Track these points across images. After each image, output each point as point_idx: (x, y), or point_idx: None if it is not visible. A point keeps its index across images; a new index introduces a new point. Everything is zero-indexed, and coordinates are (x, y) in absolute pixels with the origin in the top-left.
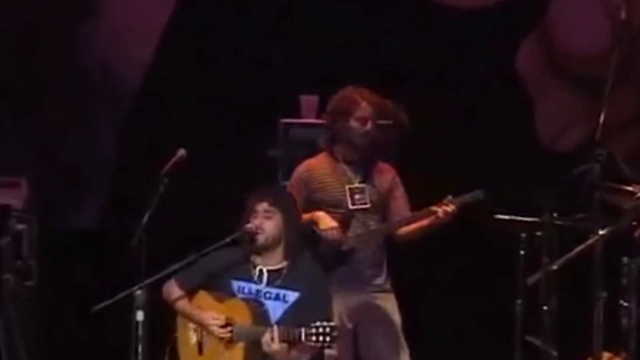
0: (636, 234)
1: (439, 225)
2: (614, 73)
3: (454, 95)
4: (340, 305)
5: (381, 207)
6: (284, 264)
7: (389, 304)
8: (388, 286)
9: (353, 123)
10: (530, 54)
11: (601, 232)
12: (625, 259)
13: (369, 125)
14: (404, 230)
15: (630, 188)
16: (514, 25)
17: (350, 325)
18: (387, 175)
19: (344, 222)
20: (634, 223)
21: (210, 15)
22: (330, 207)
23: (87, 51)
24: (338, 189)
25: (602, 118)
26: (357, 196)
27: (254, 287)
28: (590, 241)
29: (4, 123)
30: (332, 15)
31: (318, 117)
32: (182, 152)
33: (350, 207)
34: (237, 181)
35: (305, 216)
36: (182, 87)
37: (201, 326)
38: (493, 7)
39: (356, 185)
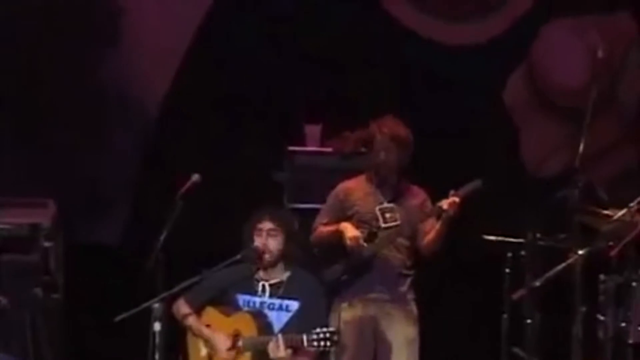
0: (612, 253)
1: (450, 222)
2: (592, 106)
3: (447, 124)
4: (359, 311)
5: (410, 226)
6: (284, 276)
7: (409, 315)
8: (410, 297)
9: (372, 154)
10: (517, 87)
11: (580, 252)
12: (602, 277)
13: (382, 156)
14: (426, 241)
15: (607, 211)
16: (502, 61)
17: (369, 334)
18: (417, 197)
19: (370, 236)
20: (610, 244)
21: (225, 47)
22: (363, 222)
23: (109, 78)
24: (370, 208)
25: (581, 147)
26: (387, 215)
27: (257, 300)
28: (570, 260)
29: (32, 147)
30: (334, 51)
31: (321, 144)
32: (196, 176)
33: (382, 225)
34: (247, 203)
35: (331, 228)
36: (198, 114)
37: (211, 345)
38: (483, 45)
39: (385, 205)
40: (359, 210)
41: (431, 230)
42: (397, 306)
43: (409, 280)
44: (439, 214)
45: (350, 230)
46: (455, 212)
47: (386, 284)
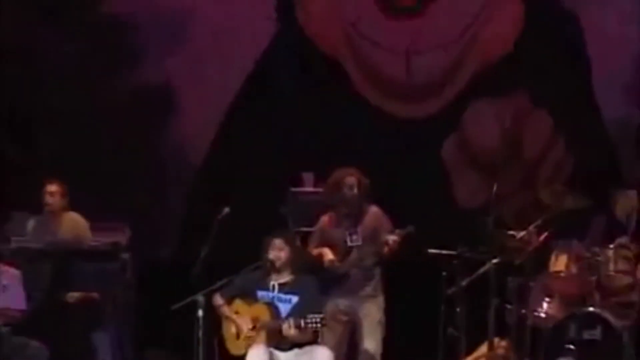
0: (516, 262)
1: (395, 249)
2: (502, 161)
3: (401, 176)
4: (339, 306)
5: (371, 240)
6: (289, 278)
7: (374, 305)
8: (376, 292)
9: (345, 191)
10: (450, 147)
11: (494, 261)
12: (509, 278)
13: (354, 190)
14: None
15: (512, 232)
16: (439, 129)
17: (345, 318)
18: (373, 216)
19: (344, 254)
20: (515, 255)
21: (247, 123)
22: (335, 244)
23: (166, 141)
24: (340, 234)
25: (495, 189)
26: (353, 236)
27: (270, 294)
28: (487, 266)
29: (115, 192)
30: (319, 128)
31: (313, 186)
32: (227, 209)
33: (349, 244)
34: (263, 228)
35: (316, 251)
36: (230, 165)
37: (238, 324)
38: (427, 116)
39: (351, 230)
40: (333, 235)
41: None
42: (370, 298)
43: (373, 280)
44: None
45: (327, 255)
46: (396, 245)
47: (357, 286)
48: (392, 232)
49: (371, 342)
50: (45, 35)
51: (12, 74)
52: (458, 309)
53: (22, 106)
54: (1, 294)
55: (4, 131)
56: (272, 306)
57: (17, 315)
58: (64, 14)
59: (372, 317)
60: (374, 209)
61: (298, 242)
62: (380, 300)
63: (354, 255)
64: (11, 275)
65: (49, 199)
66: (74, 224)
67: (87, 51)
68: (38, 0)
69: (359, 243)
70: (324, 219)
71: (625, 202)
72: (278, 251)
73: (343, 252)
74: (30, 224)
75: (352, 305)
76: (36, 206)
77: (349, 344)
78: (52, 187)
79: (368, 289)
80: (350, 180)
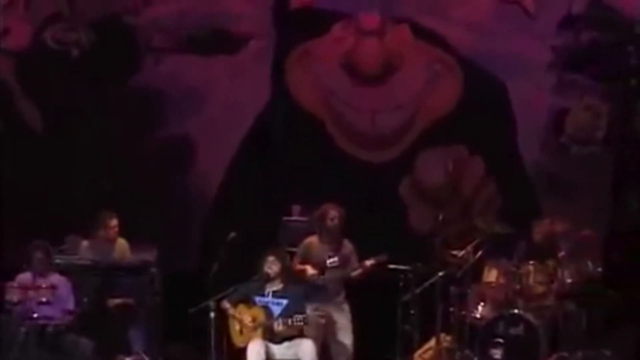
0: (458, 275)
1: (367, 273)
2: (446, 196)
3: (369, 207)
4: (317, 311)
5: (344, 265)
6: (280, 287)
7: (344, 311)
8: (343, 300)
9: (328, 222)
10: (406, 186)
11: (440, 274)
12: (452, 287)
13: (336, 222)
14: (352, 277)
15: (454, 252)
16: (397, 171)
17: (323, 321)
18: (348, 249)
19: (322, 271)
20: (456, 269)
21: (250, 170)
22: (317, 262)
23: (186, 182)
24: (321, 255)
25: (440, 217)
26: (332, 259)
27: (265, 299)
28: (434, 278)
29: (144, 224)
30: (305, 171)
31: (300, 216)
32: (233, 234)
33: (328, 265)
34: (261, 248)
35: (300, 267)
36: (236, 201)
37: (241, 322)
38: (388, 161)
39: (330, 253)
40: (315, 256)
41: (355, 270)
42: (340, 305)
43: (342, 292)
44: (362, 265)
45: (309, 270)
46: (372, 268)
47: (333, 295)
48: (367, 259)
49: (346, 336)
50: (91, 99)
51: (66, 126)
52: (412, 312)
53: (82, 153)
54: (57, 303)
55: (63, 172)
56: (266, 309)
57: (68, 318)
58: (107, 86)
59: (344, 317)
60: (349, 244)
61: (288, 259)
62: (346, 305)
63: (329, 274)
64: (63, 286)
65: (111, 231)
66: (123, 249)
67: (124, 112)
68: (86, 71)
69: (336, 264)
70: (311, 239)
71: (541, 229)
72: (271, 264)
73: (321, 269)
74: (84, 244)
75: (328, 310)
76: (86, 230)
77: (324, 337)
78: (114, 222)
79: (339, 298)
80: (333, 213)
